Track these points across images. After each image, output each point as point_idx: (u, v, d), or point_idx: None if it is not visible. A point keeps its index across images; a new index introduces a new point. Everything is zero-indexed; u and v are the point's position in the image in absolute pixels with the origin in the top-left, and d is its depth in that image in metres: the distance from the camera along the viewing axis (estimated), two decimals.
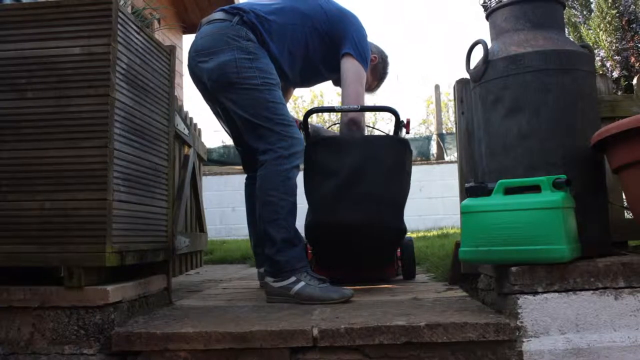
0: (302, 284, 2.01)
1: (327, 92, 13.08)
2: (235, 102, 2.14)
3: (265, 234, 2.08)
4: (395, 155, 2.32)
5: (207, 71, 2.16)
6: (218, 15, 2.23)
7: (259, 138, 2.13)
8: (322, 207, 2.28)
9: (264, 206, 2.08)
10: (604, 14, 2.81)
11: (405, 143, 2.38)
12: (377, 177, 2.24)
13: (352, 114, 2.32)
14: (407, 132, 2.50)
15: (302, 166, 2.26)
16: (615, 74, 2.77)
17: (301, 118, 2.48)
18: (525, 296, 1.53)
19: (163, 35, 6.06)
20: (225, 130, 2.53)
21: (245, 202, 2.56)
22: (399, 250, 2.65)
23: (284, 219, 2.06)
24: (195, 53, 2.20)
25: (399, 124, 2.45)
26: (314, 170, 2.32)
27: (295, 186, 2.11)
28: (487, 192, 1.65)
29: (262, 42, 2.20)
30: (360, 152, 2.25)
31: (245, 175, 2.57)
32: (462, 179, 2.20)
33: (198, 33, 2.26)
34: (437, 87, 9.64)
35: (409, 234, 2.66)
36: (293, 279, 2.02)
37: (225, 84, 2.13)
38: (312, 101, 12.69)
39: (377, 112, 10.35)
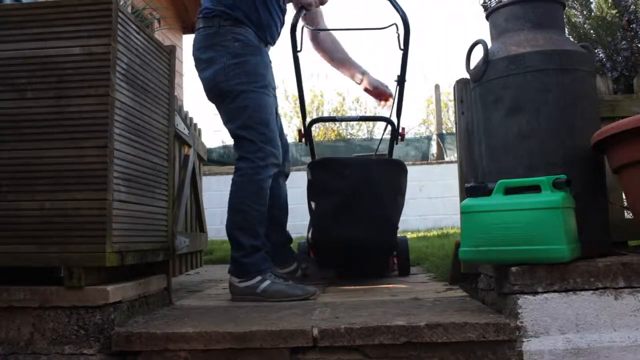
0: (268, 282, 2.08)
1: (327, 92, 13.07)
2: (225, 111, 2.18)
3: (231, 238, 2.14)
4: (392, 179, 2.47)
5: (203, 81, 2.21)
6: (201, 22, 2.21)
7: (238, 145, 2.18)
8: (323, 225, 2.46)
9: (236, 213, 2.14)
10: (604, 14, 2.81)
11: (401, 165, 2.54)
12: (374, 200, 2.39)
13: None
14: (402, 140, 2.67)
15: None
16: (615, 74, 2.76)
17: (300, 118, 2.52)
18: (525, 296, 1.53)
19: (163, 35, 6.05)
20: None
21: None
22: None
23: (253, 228, 2.13)
24: (195, 62, 2.23)
25: (396, 134, 2.62)
26: (315, 188, 2.47)
27: (267, 195, 2.17)
28: (487, 192, 1.65)
29: (251, 22, 2.18)
30: (360, 175, 2.39)
31: None
32: (462, 179, 2.20)
33: (193, 40, 2.26)
34: (437, 87, 9.62)
35: (406, 233, 2.79)
36: (259, 278, 2.09)
37: (216, 93, 2.17)
38: (312, 101, 12.65)
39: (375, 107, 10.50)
